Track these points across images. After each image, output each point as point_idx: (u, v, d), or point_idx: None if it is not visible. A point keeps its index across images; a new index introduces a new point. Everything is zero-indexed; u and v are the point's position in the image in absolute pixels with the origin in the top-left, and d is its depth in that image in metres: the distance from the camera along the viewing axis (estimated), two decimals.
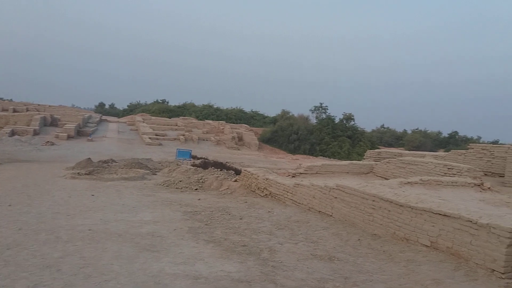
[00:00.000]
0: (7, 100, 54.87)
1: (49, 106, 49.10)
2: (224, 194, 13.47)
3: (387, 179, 13.20)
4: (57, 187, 13.17)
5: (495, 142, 48.17)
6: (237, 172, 17.38)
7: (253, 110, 60.94)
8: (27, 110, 41.10)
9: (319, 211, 9.75)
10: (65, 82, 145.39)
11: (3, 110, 40.56)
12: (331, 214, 9.33)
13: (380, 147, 42.90)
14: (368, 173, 15.30)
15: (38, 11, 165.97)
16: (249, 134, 42.89)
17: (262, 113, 60.40)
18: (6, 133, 29.86)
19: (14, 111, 39.59)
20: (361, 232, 7.95)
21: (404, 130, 65.95)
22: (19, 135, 30.58)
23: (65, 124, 35.97)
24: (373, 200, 8.12)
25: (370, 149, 25.69)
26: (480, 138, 60.13)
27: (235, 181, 14.80)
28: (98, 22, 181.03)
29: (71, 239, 7.02)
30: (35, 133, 31.82)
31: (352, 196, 8.74)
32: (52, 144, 28.84)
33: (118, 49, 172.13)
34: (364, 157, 19.28)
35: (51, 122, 36.80)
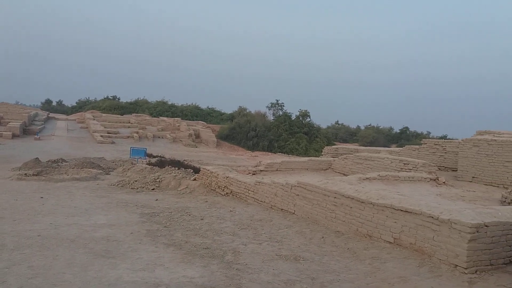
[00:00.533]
0: None
1: None
2: (183, 193, 13.12)
3: (346, 175, 13.39)
4: (1, 189, 12.28)
5: (444, 137, 50.58)
6: (196, 170, 17.02)
7: (209, 107, 60.30)
8: None
9: (282, 209, 9.66)
10: (6, 76, 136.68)
11: None
12: (293, 211, 9.26)
13: (336, 143, 43.82)
14: (327, 169, 15.46)
15: None
16: (206, 131, 42.39)
17: (219, 109, 59.92)
18: None
19: None
20: (324, 229, 7.92)
21: (358, 126, 67.89)
22: None
23: (9, 122, 33.88)
24: (335, 197, 8.13)
25: (327, 145, 26.09)
26: (430, 133, 62.95)
27: (194, 180, 14.46)
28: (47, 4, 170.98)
29: (18, 246, 6.49)
30: None
31: (314, 193, 8.71)
32: None
33: (66, 35, 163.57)
34: (322, 153, 19.51)
35: None
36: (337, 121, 71.98)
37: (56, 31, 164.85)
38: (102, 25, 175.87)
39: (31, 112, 41.93)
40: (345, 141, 54.73)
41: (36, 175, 15.48)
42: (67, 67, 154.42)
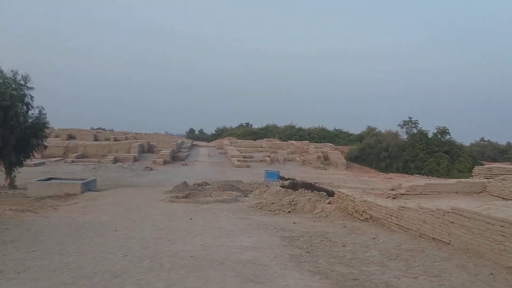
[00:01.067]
0: (109, 130, 59.85)
1: (145, 134, 52.49)
2: (319, 217, 12.79)
3: (506, 199, 11.55)
4: (157, 211, 13.52)
5: None
6: (329, 193, 16.60)
7: (336, 129, 59.50)
8: (126, 138, 44.26)
9: (433, 238, 8.63)
10: (158, 111, 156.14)
11: (106, 139, 44.09)
12: (448, 241, 8.19)
13: (484, 162, 38.87)
14: (480, 192, 13.61)
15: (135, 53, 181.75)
16: (335, 153, 41.66)
17: (346, 131, 58.70)
18: (110, 160, 32.24)
19: (115, 140, 42.84)
20: (491, 264, 6.77)
21: (508, 142, 59.64)
22: (121, 162, 32.82)
23: (161, 150, 37.98)
24: (502, 226, 6.92)
25: (473, 165, 23.24)
26: None
27: (329, 203, 14.04)
28: (183, 58, 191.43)
29: (174, 266, 6.86)
30: (135, 159, 33.95)
31: (474, 221, 7.57)
32: (151, 169, 30.46)
33: (204, 83, 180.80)
34: (472, 174, 17.34)
35: (148, 149, 39.11)
36: (482, 138, 64.51)
37: (200, 81, 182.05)
38: (222, 69, 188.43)
39: (178, 140, 46.48)
40: (494, 160, 48.33)
41: (185, 198, 16.79)
42: (207, 99, 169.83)
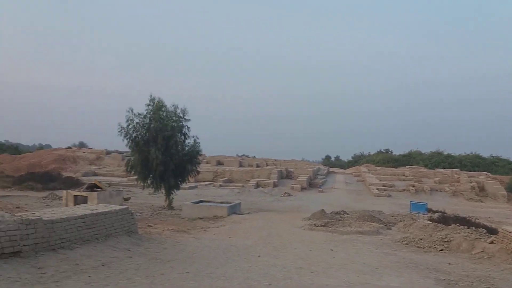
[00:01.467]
0: (251, 157, 63.13)
1: (284, 160, 53.83)
2: (479, 258, 11.06)
3: None
4: (297, 238, 13.41)
5: None
6: (490, 230, 14.35)
7: (493, 155, 52.41)
8: (267, 165, 45.98)
9: None
10: (294, 138, 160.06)
11: (249, 165, 46.48)
12: None
13: None
14: None
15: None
16: (493, 183, 36.43)
17: (505, 158, 51.25)
18: (252, 185, 33.78)
19: (257, 166, 44.86)
20: None
21: None
22: (262, 187, 34.12)
23: (298, 176, 38.39)
24: None
25: None
26: None
27: (492, 242, 12.08)
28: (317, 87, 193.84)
29: None
30: (275, 185, 34.93)
31: None
32: (289, 195, 30.92)
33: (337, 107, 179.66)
34: None
35: (286, 175, 39.92)
36: None
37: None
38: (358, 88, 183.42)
39: (315, 167, 46.48)
40: None
41: (323, 226, 16.38)
42: (341, 128, 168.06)
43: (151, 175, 24.62)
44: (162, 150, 23.87)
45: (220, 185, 35.53)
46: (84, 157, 49.09)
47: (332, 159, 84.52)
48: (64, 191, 19.72)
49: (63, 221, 7.05)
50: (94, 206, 8.86)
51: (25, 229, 6.08)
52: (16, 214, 6.29)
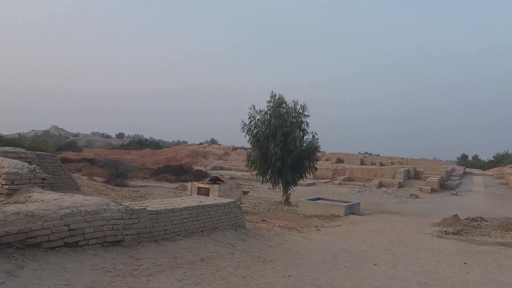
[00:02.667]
0: (375, 155, 59.65)
1: (411, 159, 49.47)
2: None
3: None
4: (423, 246, 11.66)
5: None
6: None
7: None
8: (392, 163, 42.71)
9: None
10: (426, 136, 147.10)
11: (372, 164, 43.81)
12: None
13: None
14: None
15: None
16: None
17: None
18: (375, 185, 31.58)
19: (381, 164, 41.98)
20: None
21: None
22: (385, 187, 31.67)
23: (428, 177, 34.71)
24: None
25: None
26: None
27: None
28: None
29: None
30: (400, 185, 32.13)
31: None
32: (416, 197, 28.03)
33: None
34: None
35: (414, 175, 36.48)
36: None
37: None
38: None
39: (448, 167, 41.64)
40: None
41: (455, 234, 14.10)
42: (481, 123, 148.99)
43: (269, 170, 24.67)
44: (281, 145, 23.71)
45: (340, 183, 34.08)
46: (213, 153, 52.15)
47: (470, 158, 75.27)
48: (189, 183, 20.78)
49: (167, 212, 6.99)
50: (203, 198, 8.78)
51: (129, 219, 6.09)
52: (123, 204, 6.36)
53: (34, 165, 7.41)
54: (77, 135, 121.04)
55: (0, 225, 4.52)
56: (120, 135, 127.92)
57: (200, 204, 7.79)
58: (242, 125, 24.99)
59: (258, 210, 21.47)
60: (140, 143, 64.54)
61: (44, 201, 5.56)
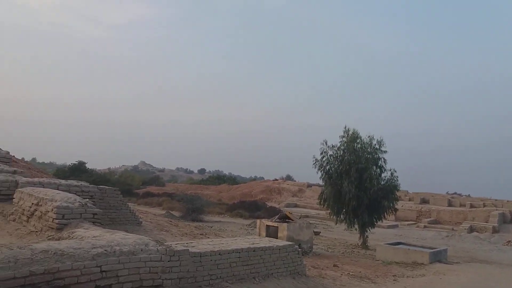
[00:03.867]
0: (465, 195, 54.06)
1: (507, 201, 43.81)
2: None
3: None
4: None
5: None
6: None
7: None
8: (484, 205, 38.08)
9: None
10: None
11: (461, 205, 39.52)
12: None
13: None
14: None
15: None
16: None
17: None
18: (465, 229, 28.15)
19: (471, 206, 37.64)
20: None
21: None
22: (477, 231, 28.07)
23: None
24: None
25: None
26: None
27: None
28: None
29: None
30: (494, 230, 28.27)
31: None
32: None
33: None
34: None
35: (510, 219, 32.02)
36: None
37: None
38: None
39: None
40: None
41: None
42: None
43: (344, 210, 23.15)
44: (356, 183, 22.20)
45: (425, 226, 30.93)
46: (288, 189, 51.22)
47: None
48: (258, 220, 20.06)
49: (213, 255, 6.34)
50: (257, 239, 8.00)
51: (169, 261, 5.55)
52: (164, 244, 5.86)
53: (87, 200, 7.31)
54: (162, 170, 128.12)
55: (25, 263, 4.23)
56: (202, 171, 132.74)
57: (252, 246, 7.04)
58: (313, 161, 24.01)
59: (332, 253, 19.97)
60: (218, 179, 65.99)
61: (80, 239, 5.28)
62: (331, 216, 24.60)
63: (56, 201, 6.69)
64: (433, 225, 31.61)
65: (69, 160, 48.24)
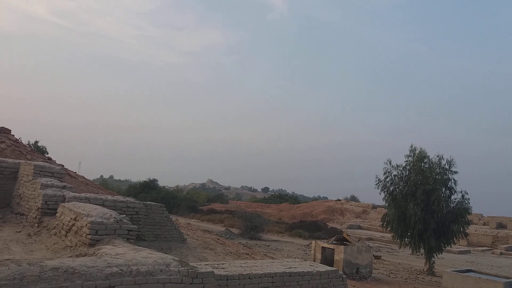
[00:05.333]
0: None
1: None
2: None
3: None
4: None
5: None
6: None
7: None
8: None
9: None
10: None
11: None
12: None
13: None
14: None
15: None
16: None
17: None
18: None
19: None
20: None
21: None
22: None
23: None
24: None
25: None
26: None
27: None
28: None
29: None
30: None
31: None
32: None
33: None
34: None
35: None
36: None
37: None
38: None
39: None
40: None
41: None
42: None
43: (409, 233, 21.43)
44: (422, 205, 20.57)
45: (501, 253, 27.62)
46: (351, 210, 49.09)
47: None
48: (313, 242, 19.13)
49: (242, 278, 5.78)
50: (296, 262, 7.30)
51: (190, 283, 5.11)
52: (189, 264, 5.46)
53: (123, 215, 7.17)
54: (228, 188, 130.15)
55: (31, 281, 4.03)
56: (265, 189, 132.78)
57: (288, 270, 6.38)
58: (376, 181, 22.74)
59: (394, 278, 18.42)
60: (279, 197, 65.20)
61: (99, 256, 5.06)
62: (395, 240, 22.93)
63: (91, 216, 6.61)
64: (510, 252, 28.10)
65: (144, 177, 50.54)
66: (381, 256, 23.69)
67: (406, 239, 21.76)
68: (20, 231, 7.47)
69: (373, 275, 17.66)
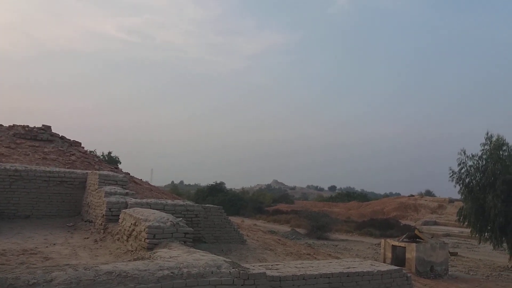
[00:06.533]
0: None
1: None
2: None
3: None
4: None
5: None
6: None
7: None
8: None
9: None
10: None
11: None
12: None
13: None
14: None
15: None
16: None
17: None
18: None
19: None
20: None
21: None
22: None
23: None
24: None
25: None
26: None
27: None
28: None
29: None
30: None
31: None
32: None
33: None
34: None
35: None
36: None
37: None
38: None
39: None
40: None
41: None
42: None
43: (488, 227, 19.78)
44: (502, 197, 18.89)
45: None
46: (426, 205, 46.39)
47: None
48: (383, 240, 18.31)
49: (296, 279, 5.59)
50: (356, 262, 6.92)
51: (242, 285, 5.05)
52: (241, 265, 5.41)
53: (180, 219, 7.32)
54: (293, 188, 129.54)
55: (87, 285, 4.22)
56: (332, 188, 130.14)
57: (346, 271, 6.08)
58: (450, 173, 21.30)
59: (473, 276, 17.07)
60: (347, 196, 63.45)
61: (153, 259, 5.18)
62: (473, 235, 21.29)
63: (149, 221, 6.84)
64: None
65: (211, 181, 52.28)
66: (457, 253, 22.10)
67: (485, 234, 20.12)
68: (88, 238, 7.95)
69: (449, 272, 16.50)
